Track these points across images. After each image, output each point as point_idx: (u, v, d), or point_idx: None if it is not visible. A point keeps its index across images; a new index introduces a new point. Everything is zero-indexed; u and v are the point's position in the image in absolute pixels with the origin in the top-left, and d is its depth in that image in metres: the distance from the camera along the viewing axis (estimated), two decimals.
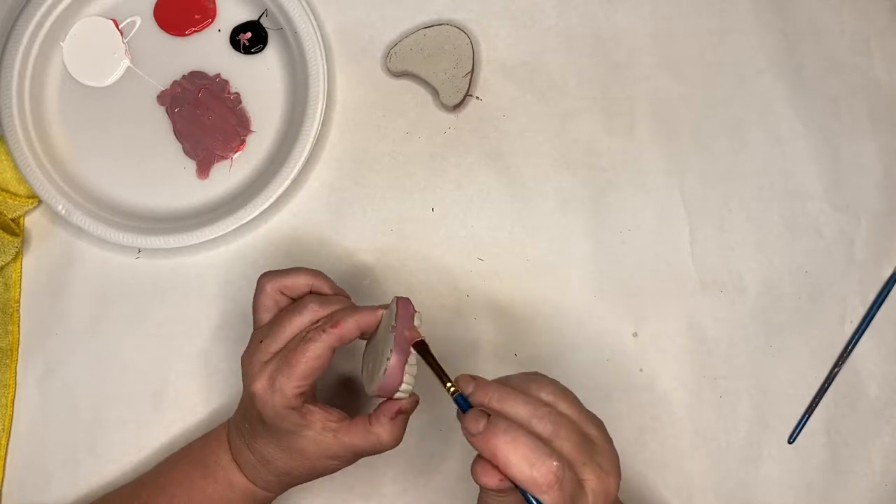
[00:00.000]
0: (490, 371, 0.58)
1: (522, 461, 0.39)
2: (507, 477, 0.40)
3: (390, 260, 0.59)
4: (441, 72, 0.60)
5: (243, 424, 0.50)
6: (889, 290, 0.59)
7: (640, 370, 0.58)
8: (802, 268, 0.59)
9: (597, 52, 0.61)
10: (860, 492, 0.57)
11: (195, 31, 0.61)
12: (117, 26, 0.61)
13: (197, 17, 0.61)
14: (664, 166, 0.60)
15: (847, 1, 0.61)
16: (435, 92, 0.60)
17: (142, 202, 0.60)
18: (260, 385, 0.47)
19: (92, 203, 0.59)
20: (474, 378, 0.44)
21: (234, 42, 0.61)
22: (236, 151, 0.60)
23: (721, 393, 0.58)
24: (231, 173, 0.60)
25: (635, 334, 0.59)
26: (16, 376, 0.58)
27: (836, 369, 0.58)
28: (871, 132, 0.60)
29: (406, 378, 0.46)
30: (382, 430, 0.47)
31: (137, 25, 0.61)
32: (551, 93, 0.61)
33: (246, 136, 0.60)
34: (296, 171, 0.58)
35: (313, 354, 0.46)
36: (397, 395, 0.47)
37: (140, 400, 0.58)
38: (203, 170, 0.60)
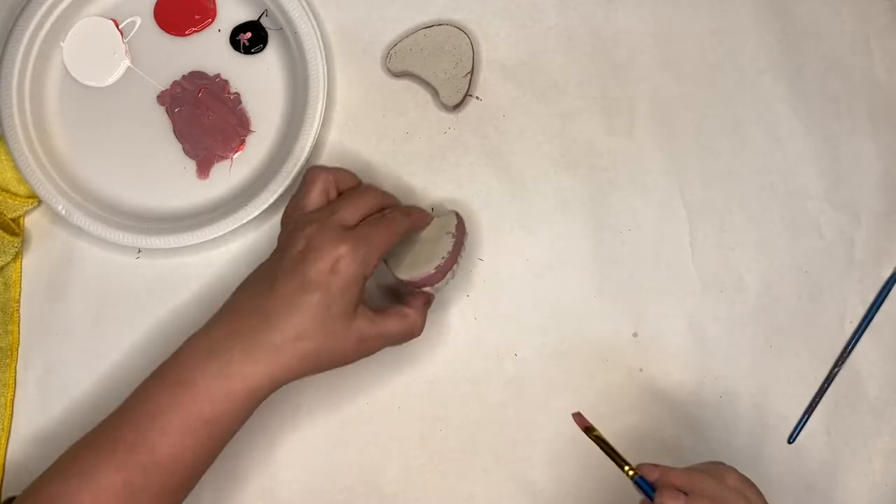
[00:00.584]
0: (493, 371, 0.58)
1: None
2: None
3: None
4: (441, 72, 0.60)
5: (275, 301, 0.47)
6: (889, 290, 0.59)
7: (640, 370, 0.58)
8: (802, 268, 0.59)
9: (597, 52, 0.61)
10: (860, 492, 0.57)
11: (195, 31, 0.61)
12: (117, 26, 0.61)
13: (197, 17, 0.61)
14: (664, 166, 0.60)
15: (847, 1, 0.61)
16: (435, 92, 0.60)
17: (142, 202, 0.60)
18: (345, 248, 0.47)
19: (92, 203, 0.59)
20: (657, 465, 0.46)
21: (234, 42, 0.61)
22: (236, 151, 0.60)
23: (721, 393, 0.58)
24: (231, 173, 0.60)
25: (635, 334, 0.59)
26: (16, 376, 0.58)
27: (836, 369, 0.58)
28: (871, 132, 0.60)
29: (443, 280, 0.53)
30: (418, 315, 0.52)
31: (137, 25, 0.61)
32: (551, 93, 0.61)
33: (246, 136, 0.60)
34: (296, 171, 0.58)
35: (394, 233, 0.50)
36: (428, 288, 0.53)
37: None
38: (203, 170, 0.60)
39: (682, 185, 0.60)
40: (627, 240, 0.59)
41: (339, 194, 0.53)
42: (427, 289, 0.53)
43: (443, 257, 0.53)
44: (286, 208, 0.53)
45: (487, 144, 0.60)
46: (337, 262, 0.47)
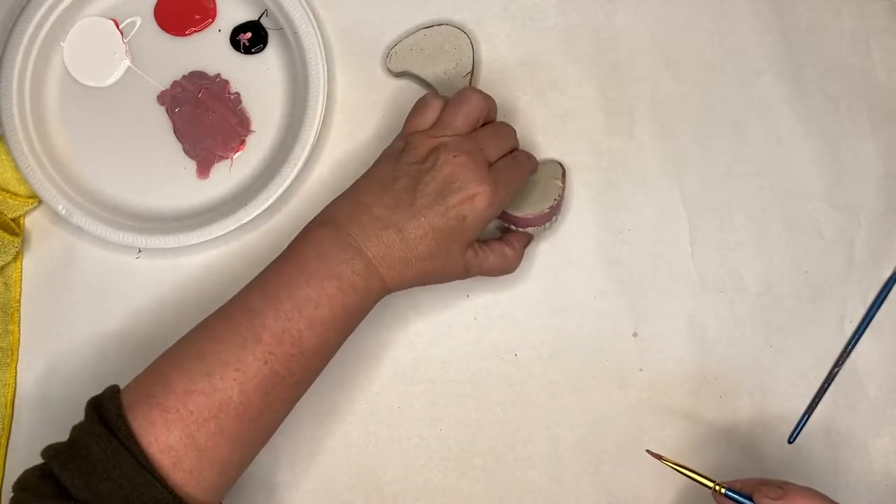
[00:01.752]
0: (493, 371, 0.58)
1: None
2: None
3: None
4: (441, 72, 0.60)
5: (413, 219, 0.49)
6: (889, 290, 0.59)
7: (640, 370, 0.58)
8: (802, 268, 0.59)
9: (597, 52, 0.61)
10: (860, 492, 0.57)
11: (195, 31, 0.61)
12: (117, 26, 0.61)
13: (197, 17, 0.61)
14: (664, 166, 0.60)
15: (847, 1, 0.61)
16: (435, 92, 0.60)
17: (142, 202, 0.60)
18: (488, 189, 0.50)
19: (92, 203, 0.59)
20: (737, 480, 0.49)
21: (234, 42, 0.61)
22: (236, 151, 0.60)
23: (721, 393, 0.58)
24: (231, 173, 0.60)
25: (635, 334, 0.59)
26: (16, 376, 0.58)
27: (836, 369, 0.58)
28: (871, 132, 0.60)
29: (548, 222, 0.57)
30: (517, 255, 0.55)
31: (137, 25, 0.61)
32: (551, 93, 0.61)
33: (246, 136, 0.60)
34: (296, 171, 0.58)
35: (524, 177, 0.55)
36: (531, 229, 0.56)
37: None
38: (203, 170, 0.60)
39: (682, 185, 0.60)
40: (627, 240, 0.59)
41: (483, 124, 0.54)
42: (531, 229, 0.56)
43: (555, 199, 0.56)
44: (421, 113, 0.54)
45: None
46: (476, 198, 0.50)
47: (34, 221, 0.60)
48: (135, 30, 0.61)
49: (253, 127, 0.60)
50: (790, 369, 0.58)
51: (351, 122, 0.61)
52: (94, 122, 0.60)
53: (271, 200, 0.58)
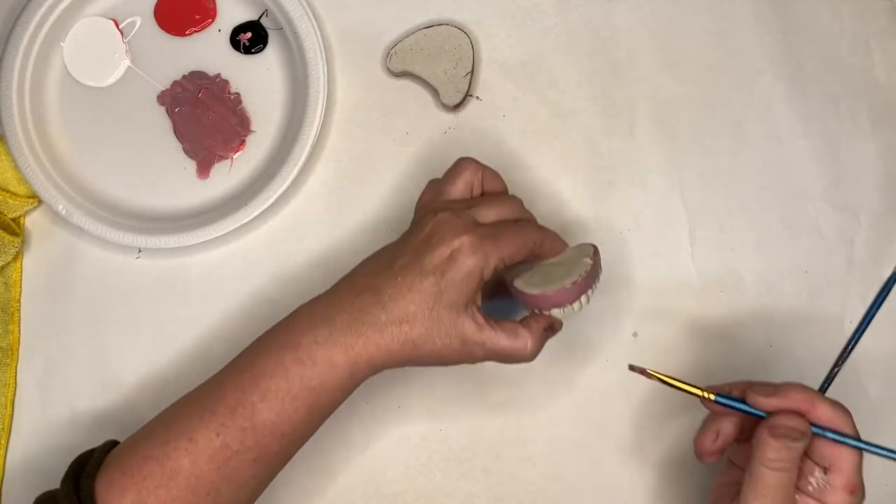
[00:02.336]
0: (494, 371, 0.58)
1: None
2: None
3: None
4: (441, 72, 0.60)
5: (390, 280, 0.47)
6: (889, 290, 0.59)
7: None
8: (802, 268, 0.59)
9: (597, 52, 0.61)
10: None
11: (195, 31, 0.61)
12: (117, 26, 0.61)
13: (197, 17, 0.61)
14: (664, 166, 0.60)
15: (847, 1, 0.61)
16: (435, 92, 0.60)
17: (142, 202, 0.60)
18: (469, 240, 0.46)
19: (92, 203, 0.59)
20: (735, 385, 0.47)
21: (234, 42, 0.61)
22: (236, 151, 0.60)
23: None
24: (231, 173, 0.60)
25: (635, 334, 0.59)
26: (16, 376, 0.58)
27: (836, 369, 0.58)
28: (871, 132, 0.60)
29: (577, 303, 0.49)
30: (533, 338, 0.48)
31: (137, 25, 0.61)
32: (551, 93, 0.61)
33: (246, 136, 0.60)
34: (296, 171, 0.58)
35: (524, 241, 0.48)
36: (556, 311, 0.49)
37: (140, 400, 0.58)
38: (203, 170, 0.60)
39: (682, 185, 0.60)
40: (627, 240, 0.59)
41: (482, 194, 0.52)
42: (555, 311, 0.49)
43: (580, 275, 0.49)
44: (425, 191, 0.53)
45: (487, 144, 0.60)
46: (457, 252, 0.46)
47: (34, 221, 0.60)
48: (135, 30, 0.61)
49: (253, 127, 0.60)
50: (790, 369, 0.58)
51: (351, 122, 0.61)
52: (94, 122, 0.60)
53: (271, 200, 0.58)
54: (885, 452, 0.44)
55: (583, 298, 0.49)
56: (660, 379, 0.46)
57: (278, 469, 0.49)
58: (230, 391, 0.47)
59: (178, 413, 0.48)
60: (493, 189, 0.53)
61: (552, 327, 0.50)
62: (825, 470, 0.44)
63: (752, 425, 0.46)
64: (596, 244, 0.52)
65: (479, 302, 0.48)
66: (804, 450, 0.44)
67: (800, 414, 0.44)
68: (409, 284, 0.46)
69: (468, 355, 0.48)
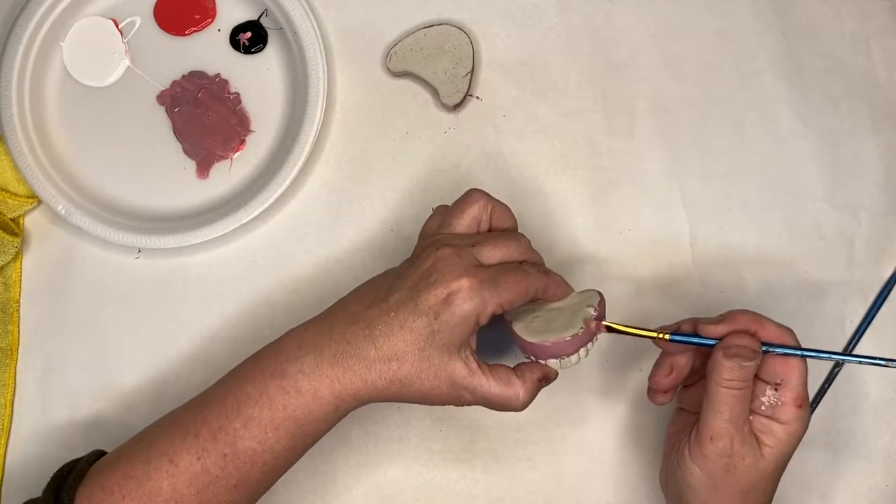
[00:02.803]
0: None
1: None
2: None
3: (390, 260, 0.59)
4: (441, 72, 0.60)
5: (383, 314, 0.45)
6: (889, 290, 0.59)
7: (640, 370, 0.58)
8: (802, 268, 0.59)
9: (597, 52, 0.61)
10: (860, 492, 0.57)
11: (195, 31, 0.61)
12: (117, 26, 0.61)
13: (197, 16, 0.61)
14: (664, 166, 0.60)
15: (847, 1, 0.61)
16: (435, 92, 0.60)
17: (142, 202, 0.60)
18: (467, 283, 0.44)
19: (92, 203, 0.59)
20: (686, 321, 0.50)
21: (234, 42, 0.61)
22: (236, 151, 0.60)
23: None
24: (231, 173, 0.60)
25: None
26: (16, 376, 0.58)
27: (836, 369, 0.58)
28: (871, 132, 0.60)
29: (575, 355, 0.48)
30: (525, 388, 0.47)
31: (137, 25, 0.61)
32: (551, 93, 0.61)
33: (246, 136, 0.60)
34: (296, 171, 0.58)
35: (525, 288, 0.46)
36: (552, 361, 0.48)
37: (140, 401, 0.58)
38: (203, 170, 0.60)
39: (682, 185, 0.60)
40: (627, 240, 0.59)
41: (490, 229, 0.50)
42: (552, 361, 0.48)
43: (580, 328, 0.47)
44: (431, 218, 0.51)
45: (487, 144, 0.60)
46: (454, 294, 0.44)
47: (34, 221, 0.60)
48: (134, 30, 0.61)
49: (253, 127, 0.60)
50: None
51: (351, 122, 0.61)
52: (94, 122, 0.60)
53: (271, 200, 0.57)
54: (829, 356, 0.48)
55: (581, 351, 0.48)
56: (614, 329, 0.49)
57: (260, 495, 0.48)
58: (214, 415, 0.46)
59: (161, 432, 0.47)
60: (502, 225, 0.51)
61: (546, 377, 0.48)
62: (776, 387, 0.46)
63: (703, 363, 0.49)
64: (601, 292, 0.50)
65: (474, 345, 0.47)
66: (756, 368, 0.46)
67: (750, 334, 0.47)
68: (401, 322, 0.45)
69: (456, 398, 0.47)
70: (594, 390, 0.58)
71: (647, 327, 0.49)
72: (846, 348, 0.59)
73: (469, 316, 0.45)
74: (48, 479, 0.48)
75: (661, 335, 0.49)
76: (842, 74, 0.61)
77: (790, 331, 0.48)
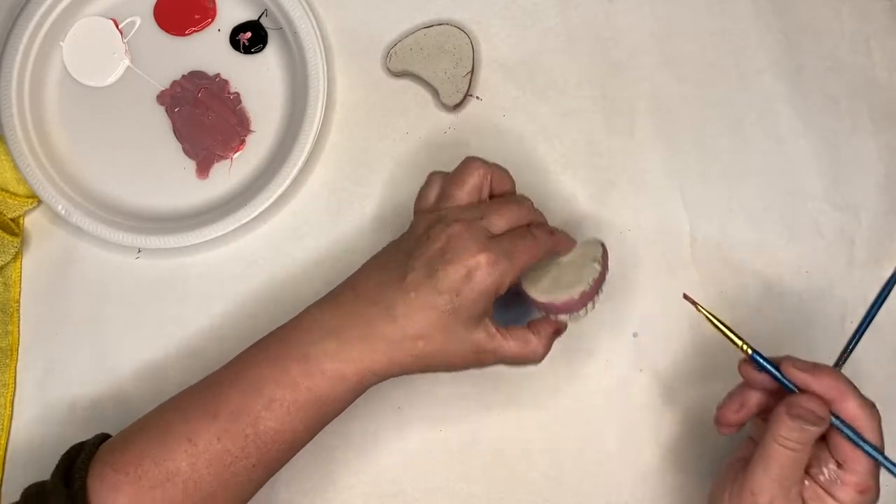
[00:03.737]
0: (494, 371, 0.58)
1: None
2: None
3: None
4: (441, 72, 0.60)
5: (402, 295, 0.46)
6: (889, 290, 0.59)
7: (640, 370, 0.58)
8: (802, 268, 0.59)
9: (597, 52, 0.61)
10: None
11: (195, 31, 0.61)
12: (117, 26, 0.61)
13: (197, 16, 0.61)
14: (664, 166, 0.60)
15: (847, 1, 0.61)
16: (435, 92, 0.60)
17: (142, 202, 0.60)
18: (485, 258, 0.45)
19: (92, 203, 0.59)
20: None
21: (234, 42, 0.61)
22: (236, 151, 0.60)
23: (721, 393, 0.58)
24: (231, 173, 0.60)
25: (635, 334, 0.59)
26: (16, 376, 0.58)
27: (836, 368, 0.58)
28: (872, 132, 0.60)
29: (583, 310, 0.50)
30: (541, 343, 0.49)
31: (137, 25, 0.61)
32: (551, 93, 0.61)
33: (246, 136, 0.60)
34: (296, 171, 0.58)
35: (536, 252, 0.48)
36: (563, 316, 0.50)
37: (140, 400, 0.58)
38: (203, 170, 0.60)
39: (682, 185, 0.60)
40: (627, 240, 0.59)
41: (490, 195, 0.51)
42: (562, 317, 0.51)
43: (588, 284, 0.50)
44: (427, 188, 0.51)
45: (487, 144, 0.60)
46: (473, 271, 0.45)
47: (34, 221, 0.60)
48: (134, 30, 0.61)
49: (253, 127, 0.60)
50: None
51: (351, 122, 0.61)
52: (94, 122, 0.60)
53: (271, 200, 0.57)
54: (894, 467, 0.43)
55: (589, 305, 0.51)
56: (707, 316, 0.47)
57: (274, 473, 0.48)
58: (233, 396, 0.46)
59: (175, 412, 0.47)
60: (503, 189, 0.51)
61: (558, 331, 0.51)
62: (839, 464, 0.43)
63: (777, 403, 0.45)
64: (603, 241, 0.53)
65: (491, 311, 0.48)
66: (819, 436, 0.43)
67: (825, 400, 0.44)
68: (422, 302, 0.46)
69: (479, 363, 0.48)
70: (594, 390, 0.58)
71: (736, 332, 0.46)
72: (846, 348, 0.59)
73: (490, 290, 0.46)
74: (56, 462, 0.47)
75: (745, 347, 0.46)
76: (842, 74, 0.61)
77: (873, 414, 0.44)
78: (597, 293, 0.51)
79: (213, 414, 0.46)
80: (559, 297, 0.50)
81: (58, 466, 0.47)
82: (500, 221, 0.48)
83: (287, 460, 0.48)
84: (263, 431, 0.45)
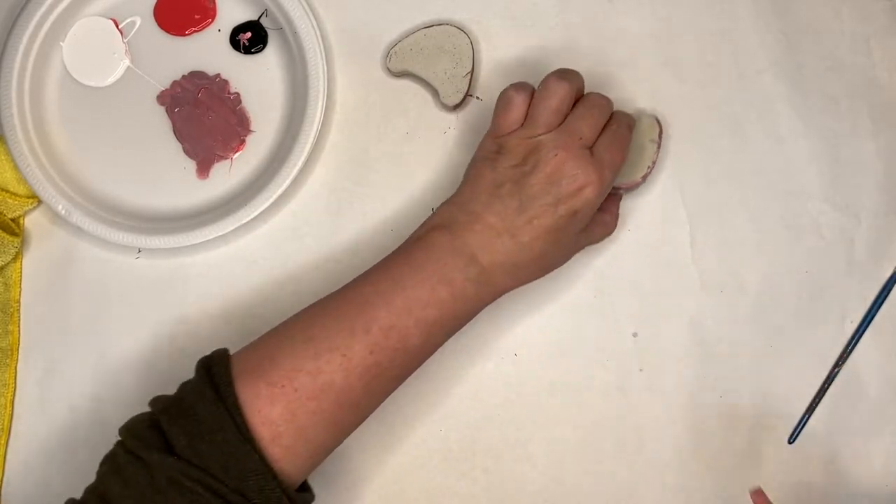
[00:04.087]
0: (494, 371, 0.58)
1: None
2: None
3: None
4: (441, 72, 0.60)
5: (526, 224, 0.50)
6: (889, 290, 0.59)
7: (640, 370, 0.58)
8: (802, 268, 0.59)
9: (597, 52, 0.61)
10: (860, 492, 0.57)
11: (195, 31, 0.61)
12: (117, 26, 0.61)
13: (197, 17, 0.61)
14: (664, 166, 0.60)
15: (847, 1, 0.61)
16: (435, 92, 0.60)
17: (142, 202, 0.60)
18: (594, 177, 0.50)
19: (92, 203, 0.59)
20: None
21: (234, 42, 0.61)
22: (236, 151, 0.60)
23: (721, 393, 0.58)
24: (231, 173, 0.60)
25: (635, 334, 0.59)
26: (16, 376, 0.59)
27: (836, 369, 0.58)
28: (871, 132, 0.60)
29: (643, 184, 0.58)
30: (614, 219, 0.57)
31: (137, 25, 0.61)
32: None
33: (246, 136, 0.60)
34: (296, 171, 0.58)
35: (626, 149, 0.53)
36: (622, 191, 0.58)
37: (140, 400, 0.58)
38: (203, 170, 0.60)
39: (682, 185, 0.60)
40: (627, 240, 0.59)
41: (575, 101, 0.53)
42: (621, 191, 0.58)
43: (648, 167, 0.57)
44: (508, 115, 0.53)
45: None
46: (584, 190, 0.50)
47: (34, 221, 0.60)
48: (134, 30, 0.61)
49: (253, 127, 0.60)
50: (790, 369, 0.58)
51: (351, 122, 0.61)
52: (94, 122, 0.60)
53: (271, 200, 0.57)
54: None
55: (646, 179, 0.58)
56: None
57: (403, 381, 0.51)
58: (383, 312, 0.49)
59: (320, 327, 0.49)
60: (580, 93, 0.54)
61: (620, 199, 0.58)
62: None
63: None
64: (658, 119, 0.58)
65: None
66: None
67: None
68: (545, 227, 0.50)
69: (570, 256, 0.54)
70: (594, 391, 0.58)
71: None
72: (846, 348, 0.59)
73: (598, 201, 0.51)
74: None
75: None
76: (842, 74, 0.61)
77: None
78: (654, 169, 0.58)
79: (364, 329, 0.48)
80: (623, 180, 0.57)
81: (200, 377, 0.48)
82: (592, 131, 0.52)
83: (417, 368, 0.51)
84: (412, 347, 0.49)
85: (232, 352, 0.50)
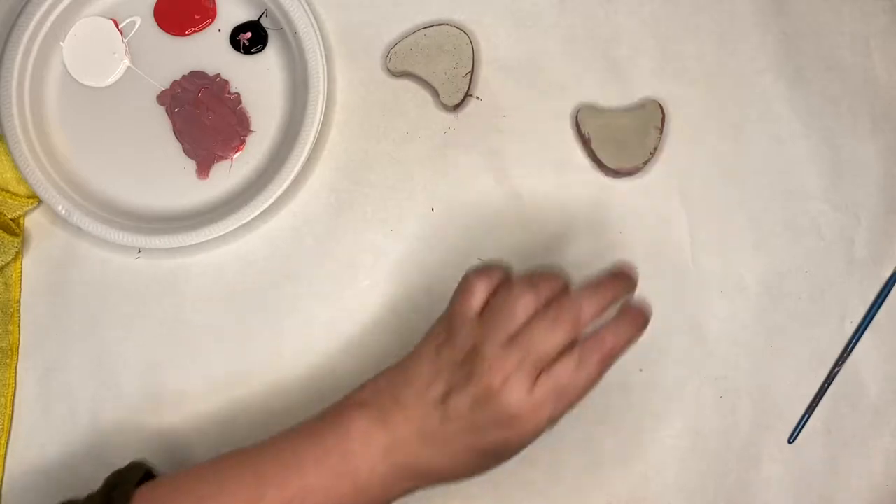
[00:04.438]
0: None
1: None
2: None
3: (390, 260, 0.59)
4: (441, 72, 0.60)
5: (443, 422, 0.45)
6: (889, 290, 0.59)
7: (640, 370, 0.58)
8: (802, 268, 0.59)
9: (597, 52, 0.61)
10: (860, 492, 0.57)
11: (195, 31, 0.61)
12: (117, 26, 0.61)
13: (197, 17, 0.61)
14: (664, 166, 0.60)
15: (847, 1, 0.61)
16: (435, 92, 0.60)
17: (142, 202, 0.60)
18: (536, 410, 0.44)
19: (92, 203, 0.59)
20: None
21: (234, 42, 0.61)
22: (236, 151, 0.60)
23: (721, 393, 0.58)
24: (231, 173, 0.60)
25: None
26: (16, 376, 0.58)
27: (836, 369, 0.58)
28: (871, 132, 0.60)
29: (640, 172, 0.59)
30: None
31: (137, 25, 0.61)
32: (551, 92, 0.61)
33: (246, 136, 0.60)
34: (296, 171, 0.58)
35: (591, 386, 0.45)
36: (624, 176, 0.59)
37: (140, 401, 0.58)
38: (203, 170, 0.60)
39: (682, 185, 0.60)
40: (627, 240, 0.59)
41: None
42: (621, 175, 0.58)
43: (650, 152, 0.58)
44: (467, 298, 0.47)
45: (487, 144, 0.60)
46: (515, 424, 0.44)
47: (34, 221, 0.60)
48: (134, 30, 0.61)
49: (253, 127, 0.60)
50: (790, 369, 0.58)
51: (351, 122, 0.61)
52: (94, 122, 0.60)
53: (271, 200, 0.57)
54: None
55: (648, 165, 0.58)
56: None
57: None
58: (274, 492, 0.45)
59: (217, 487, 0.46)
60: (553, 292, 0.47)
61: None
62: None
63: None
64: (661, 102, 0.59)
65: None
66: None
67: None
68: (467, 445, 0.45)
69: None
70: (595, 390, 0.58)
71: None
72: (846, 348, 0.59)
73: (529, 441, 0.46)
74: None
75: None
76: (842, 74, 0.61)
77: None
78: (654, 156, 0.58)
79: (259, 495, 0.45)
80: (625, 165, 0.57)
81: (99, 497, 0.46)
82: (551, 346, 0.45)
83: None
84: None
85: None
